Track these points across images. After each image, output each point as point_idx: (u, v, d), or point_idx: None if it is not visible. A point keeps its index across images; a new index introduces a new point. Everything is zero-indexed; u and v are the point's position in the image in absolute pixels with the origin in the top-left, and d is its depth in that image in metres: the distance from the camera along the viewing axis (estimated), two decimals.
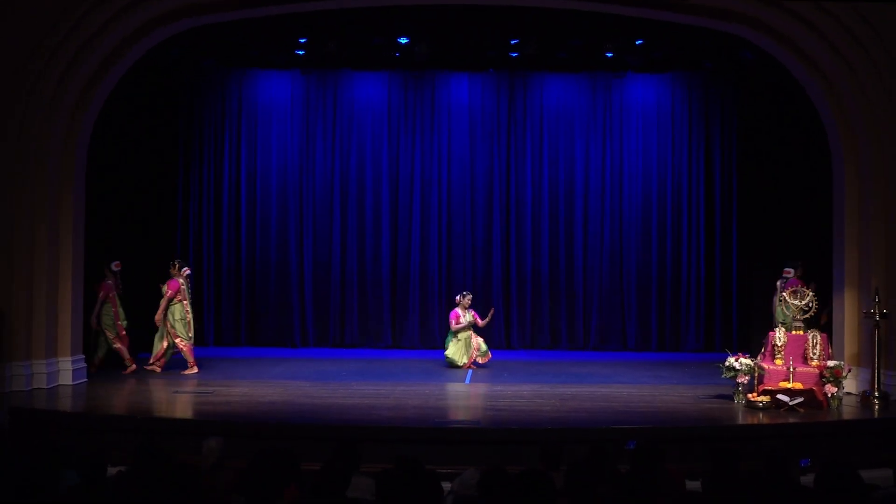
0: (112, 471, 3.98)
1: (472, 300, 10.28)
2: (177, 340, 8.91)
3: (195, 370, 8.88)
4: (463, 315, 9.68)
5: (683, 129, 11.79)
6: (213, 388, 7.79)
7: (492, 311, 9.93)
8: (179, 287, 8.96)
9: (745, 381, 7.38)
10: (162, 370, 8.93)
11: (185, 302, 8.93)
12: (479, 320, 9.77)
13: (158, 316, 8.90)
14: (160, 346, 8.95)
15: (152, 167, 11.20)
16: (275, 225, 11.70)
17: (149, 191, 11.07)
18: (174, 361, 9.21)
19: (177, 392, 7.51)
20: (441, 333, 11.54)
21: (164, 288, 9.04)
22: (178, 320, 8.88)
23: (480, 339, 9.69)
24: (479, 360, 9.74)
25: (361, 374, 9.01)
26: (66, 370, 8.07)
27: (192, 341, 9.07)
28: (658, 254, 11.79)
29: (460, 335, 9.54)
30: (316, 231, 11.73)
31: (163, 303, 8.94)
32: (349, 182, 11.76)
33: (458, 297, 9.89)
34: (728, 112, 11.76)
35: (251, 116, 11.70)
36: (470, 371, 9.28)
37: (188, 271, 9.22)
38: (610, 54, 10.85)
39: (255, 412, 6.85)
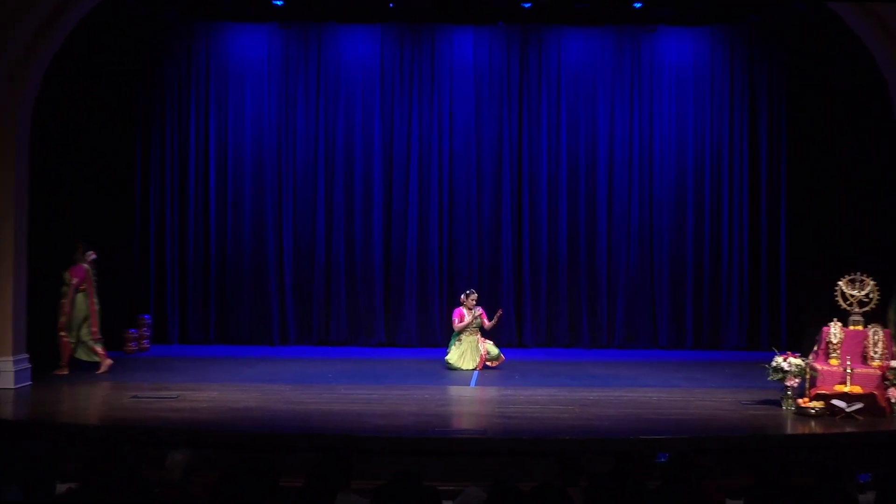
0: (62, 487, 3.96)
1: (479, 296, 10.13)
2: (61, 334, 8.85)
3: (66, 371, 8.84)
4: (468, 314, 9.59)
5: (724, 92, 11.65)
6: (178, 392, 7.75)
7: (499, 314, 9.83)
8: (85, 274, 8.93)
9: (795, 385, 7.33)
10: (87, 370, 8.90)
11: (90, 291, 8.91)
12: (486, 320, 9.71)
13: (67, 308, 8.84)
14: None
15: (106, 138, 10.98)
16: (249, 204, 11.64)
17: (102, 166, 10.87)
18: (85, 363, 9.07)
19: (136, 397, 7.47)
20: (442, 329, 11.52)
21: (67, 275, 8.97)
22: (79, 312, 8.90)
23: (489, 343, 9.63)
24: (490, 365, 9.65)
25: (350, 376, 8.98)
26: (8, 371, 8.04)
27: (95, 339, 9.00)
28: (694, 237, 11.71)
29: (464, 338, 9.48)
30: (297, 211, 11.68)
31: (69, 292, 8.88)
32: (335, 154, 11.65)
33: (462, 297, 9.84)
34: (777, 73, 11.64)
35: (221, 77, 11.58)
36: (476, 373, 9.25)
37: (94, 255, 9.17)
38: (638, 4, 10.74)
39: (226, 420, 6.84)
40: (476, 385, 8.62)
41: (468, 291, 9.82)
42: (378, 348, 11.46)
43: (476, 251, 11.77)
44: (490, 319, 9.78)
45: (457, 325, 9.55)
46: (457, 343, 9.55)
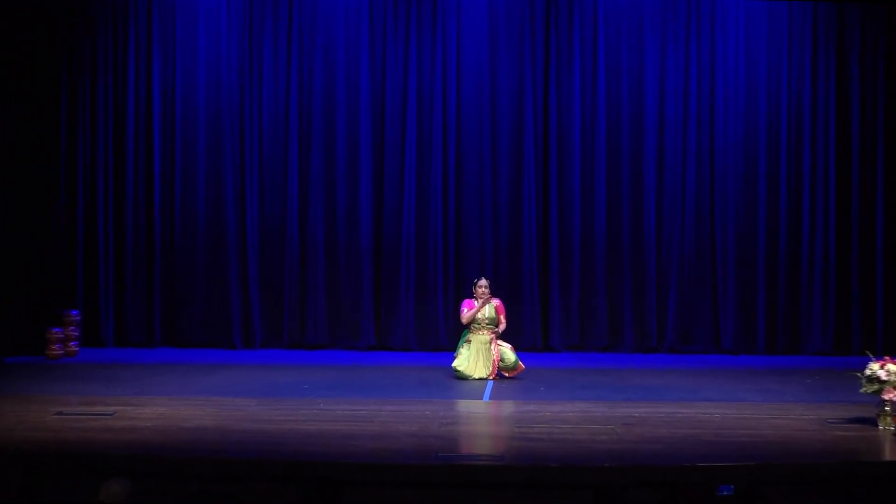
0: None
1: (494, 286, 10.19)
2: None
3: None
4: (479, 306, 9.62)
5: (806, 37, 11.70)
6: (115, 407, 7.79)
7: (501, 325, 9.64)
8: None
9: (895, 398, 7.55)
10: None
11: None
12: (502, 317, 9.64)
13: None
14: None
15: (20, 87, 10.89)
16: (203, 169, 11.67)
17: (15, 122, 10.78)
18: None
19: (62, 414, 7.45)
20: (448, 328, 11.61)
21: None
22: None
23: (505, 347, 9.60)
24: (507, 375, 9.64)
25: (332, 387, 9.04)
26: None
27: None
28: (767, 216, 11.80)
29: (474, 338, 9.50)
30: (263, 179, 11.71)
31: None
32: (312, 106, 11.68)
33: (475, 287, 9.82)
34: (873, 13, 11.70)
35: (168, 10, 11.54)
36: (490, 383, 9.28)
37: None
38: None
39: (175, 442, 6.84)
40: (490, 399, 8.63)
41: (476, 281, 9.75)
42: (367, 352, 11.51)
43: (490, 230, 11.78)
44: (506, 315, 9.90)
45: (464, 315, 9.54)
46: (465, 345, 9.54)
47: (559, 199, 11.80)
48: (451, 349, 10.34)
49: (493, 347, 9.47)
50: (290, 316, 11.74)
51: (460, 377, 9.41)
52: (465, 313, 9.57)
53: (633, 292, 11.80)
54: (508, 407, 8.40)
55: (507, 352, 9.54)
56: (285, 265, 11.75)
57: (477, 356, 9.43)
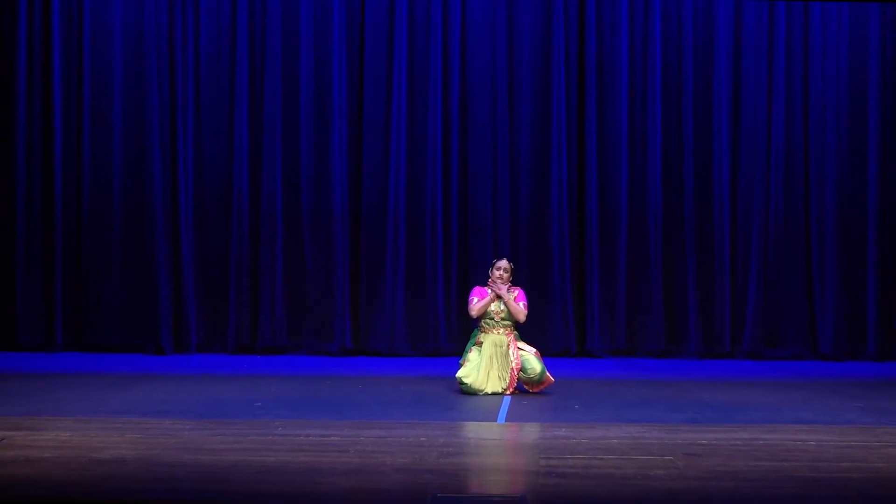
0: None
1: (517, 272, 10.22)
2: None
3: None
4: (492, 295, 9.67)
5: None
6: (3, 433, 8.06)
7: (519, 313, 9.69)
8: None
9: None
10: None
11: None
12: (521, 307, 9.60)
13: None
14: None
15: None
16: (120, 112, 11.85)
17: None
18: None
19: None
20: (449, 326, 11.94)
21: None
22: None
23: (529, 352, 9.60)
24: (531, 389, 9.69)
25: (294, 405, 9.06)
26: None
27: None
28: (881, 172, 12.00)
29: (487, 339, 9.53)
30: (202, 124, 11.92)
31: None
32: (268, 25, 11.82)
33: (491, 269, 9.76)
34: None
35: None
36: (507, 400, 9.24)
37: None
38: None
39: (84, 479, 6.76)
40: (507, 420, 8.52)
41: (495, 261, 9.66)
42: (341, 358, 11.76)
43: (506, 194, 11.99)
44: (520, 305, 9.64)
45: (473, 307, 9.54)
46: (475, 349, 9.54)
47: (599, 152, 11.89)
48: (455, 354, 10.52)
49: (511, 352, 9.48)
50: (237, 310, 11.95)
51: (467, 391, 9.43)
52: (475, 304, 9.52)
53: (698, 279, 11.96)
54: (532, 431, 8.36)
55: (531, 359, 9.52)
56: (232, 241, 11.87)
57: (490, 364, 9.45)
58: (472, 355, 9.57)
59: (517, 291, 9.71)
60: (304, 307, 12.02)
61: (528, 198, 12.05)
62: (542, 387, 9.59)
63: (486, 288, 9.69)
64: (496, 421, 8.54)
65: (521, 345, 9.64)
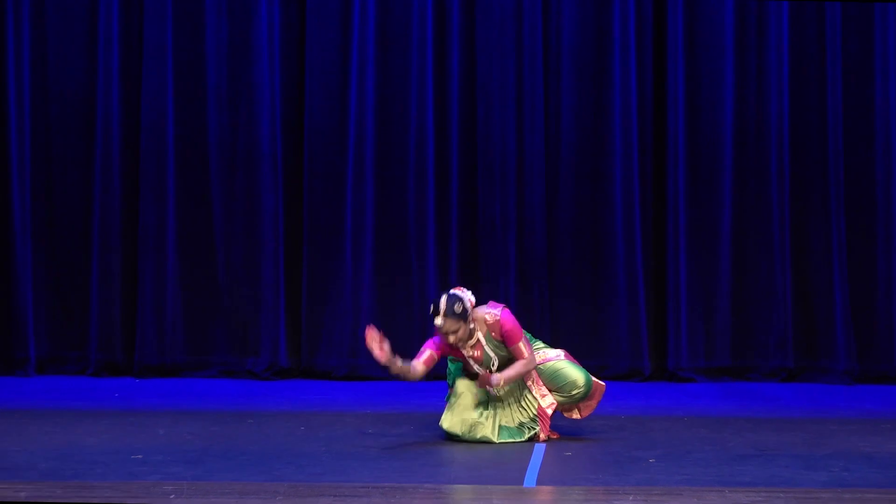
0: None
1: (556, 248, 10.63)
2: None
3: None
4: (461, 350, 9.58)
5: None
6: None
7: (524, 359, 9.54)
8: None
9: None
10: None
11: None
12: (521, 346, 9.57)
13: None
14: None
15: None
16: None
17: None
18: None
19: None
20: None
21: None
22: None
23: (553, 357, 9.70)
24: (577, 415, 9.79)
25: (196, 457, 8.90)
26: None
27: None
28: None
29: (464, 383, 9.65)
30: (46, 29, 12.41)
31: None
32: None
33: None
34: None
35: None
36: (538, 448, 9.31)
37: None
38: None
39: None
40: (538, 482, 8.47)
41: (434, 305, 9.41)
42: (271, 383, 12.27)
43: (539, 116, 12.54)
44: (510, 346, 9.62)
45: (415, 368, 9.59)
46: (460, 381, 9.70)
47: (688, 53, 12.30)
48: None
49: (532, 390, 9.80)
50: (102, 310, 12.35)
51: (450, 434, 9.64)
52: (418, 367, 9.53)
53: (850, 263, 12.35)
54: (577, 501, 8.50)
55: (565, 368, 9.66)
56: (94, 202, 12.35)
57: (493, 406, 9.75)
58: (462, 385, 9.78)
59: (499, 318, 9.59)
60: (212, 304, 12.30)
61: (572, 123, 12.30)
62: (592, 405, 9.81)
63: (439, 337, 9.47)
64: (522, 484, 8.61)
65: (538, 351, 9.70)
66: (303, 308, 12.34)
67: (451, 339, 9.34)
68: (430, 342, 9.47)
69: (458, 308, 9.27)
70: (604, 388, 9.64)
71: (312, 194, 12.40)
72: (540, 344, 9.69)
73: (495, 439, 9.50)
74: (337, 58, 12.37)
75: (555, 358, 9.61)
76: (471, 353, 9.51)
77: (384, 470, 8.77)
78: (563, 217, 12.30)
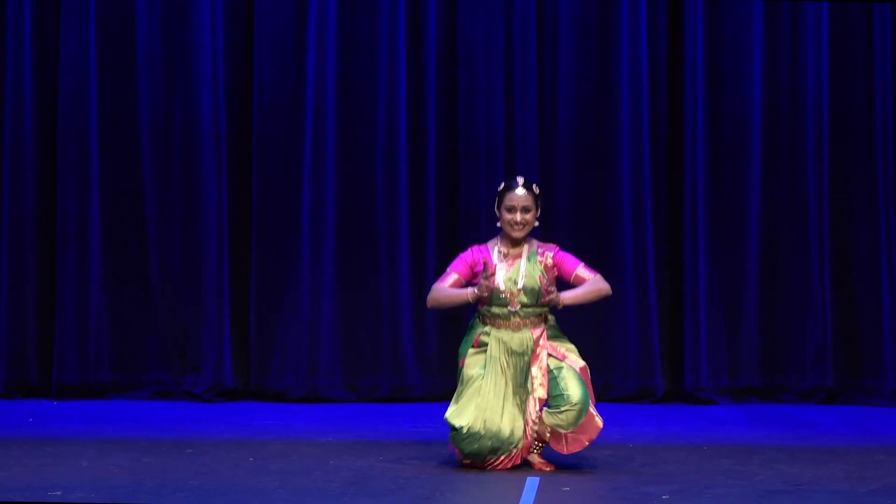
0: None
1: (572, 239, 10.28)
2: None
3: None
4: (498, 259, 9.55)
5: None
6: None
7: (491, 272, 9.43)
8: None
9: None
10: None
11: None
12: (585, 275, 9.62)
13: None
14: None
15: None
16: None
17: None
18: None
19: None
20: (419, 342, 12.21)
21: None
22: None
23: (566, 362, 9.52)
24: (560, 446, 9.49)
25: (124, 494, 8.72)
26: None
27: None
28: None
29: (493, 337, 9.62)
30: None
31: None
32: None
33: (499, 207, 9.40)
34: None
35: None
36: (531, 483, 9.05)
37: None
38: None
39: None
40: None
41: (506, 184, 9.50)
42: (215, 405, 11.99)
43: (531, 88, 12.37)
44: (570, 274, 9.60)
45: (433, 293, 9.69)
46: (475, 356, 9.60)
47: (709, 26, 12.11)
48: (430, 398, 10.77)
49: (540, 359, 9.65)
50: (13, 319, 12.32)
51: (472, 450, 9.43)
52: (438, 292, 9.60)
53: None
54: None
55: (565, 376, 9.52)
56: (3, 181, 12.30)
57: (506, 386, 9.60)
58: (474, 369, 9.68)
59: (551, 254, 9.60)
60: (144, 312, 11.99)
61: (571, 97, 12.15)
62: (581, 440, 9.50)
63: (483, 247, 9.64)
64: None
65: (560, 347, 9.66)
66: (251, 317, 12.10)
67: (519, 218, 9.34)
68: (453, 264, 9.61)
69: (536, 189, 9.38)
70: (599, 428, 9.50)
71: (262, 181, 12.19)
72: (571, 346, 9.55)
73: (506, 436, 9.71)
74: (292, 17, 12.14)
75: (569, 363, 9.40)
76: (516, 261, 9.53)
77: None
78: (561, 209, 12.02)
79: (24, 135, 12.19)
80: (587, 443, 9.34)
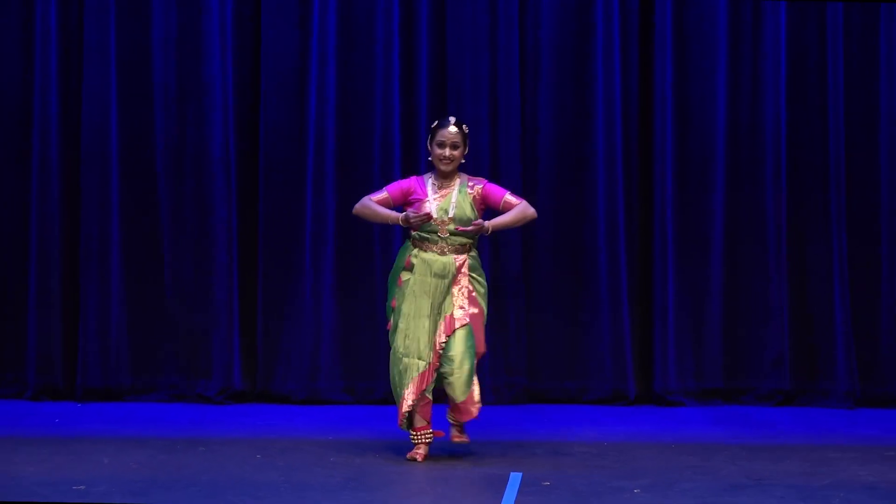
0: None
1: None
2: None
3: None
4: (431, 186, 9.96)
5: None
6: None
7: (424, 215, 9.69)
8: None
9: None
10: None
11: None
12: (511, 198, 10.06)
13: None
14: None
15: None
16: None
17: None
18: None
19: None
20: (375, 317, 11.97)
21: None
22: None
23: (470, 311, 9.81)
24: (453, 416, 9.90)
25: (142, 487, 9.17)
26: None
27: None
28: None
29: (419, 263, 10.11)
30: None
31: None
32: None
33: (431, 143, 9.86)
34: None
35: None
36: (514, 477, 9.42)
37: None
38: None
39: None
40: None
41: (439, 121, 9.96)
42: (225, 407, 12.33)
43: (514, 97, 12.77)
44: (498, 202, 10.07)
45: (362, 204, 10.08)
46: (406, 279, 10.05)
47: (676, 39, 12.53)
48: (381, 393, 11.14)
49: (462, 284, 10.02)
50: (41, 328, 12.70)
51: (396, 372, 10.06)
52: (366, 204, 10.05)
53: (851, 268, 12.50)
54: None
55: (459, 335, 10.06)
56: (31, 209, 12.57)
57: (424, 298, 10.01)
58: (405, 300, 10.06)
59: (480, 186, 10.01)
60: (160, 322, 12.38)
61: (551, 124, 12.53)
62: (460, 416, 10.03)
63: (420, 178, 10.15)
64: None
65: (474, 282, 10.10)
66: (258, 326, 12.41)
67: (448, 153, 9.87)
68: (390, 186, 10.19)
69: (466, 128, 9.82)
70: (474, 415, 10.12)
71: (268, 201, 12.47)
72: (483, 282, 10.27)
73: (420, 359, 10.11)
74: (295, 54, 12.37)
75: (466, 320, 10.00)
76: (449, 191, 9.93)
77: (348, 501, 8.74)
78: (542, 227, 12.26)
79: (51, 160, 12.53)
80: (465, 419, 10.06)
